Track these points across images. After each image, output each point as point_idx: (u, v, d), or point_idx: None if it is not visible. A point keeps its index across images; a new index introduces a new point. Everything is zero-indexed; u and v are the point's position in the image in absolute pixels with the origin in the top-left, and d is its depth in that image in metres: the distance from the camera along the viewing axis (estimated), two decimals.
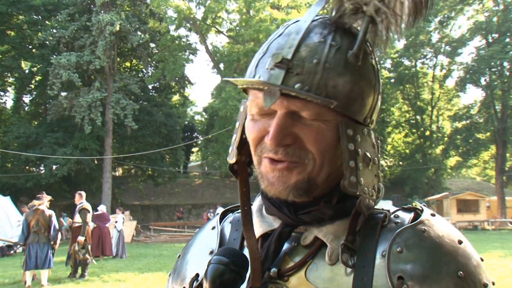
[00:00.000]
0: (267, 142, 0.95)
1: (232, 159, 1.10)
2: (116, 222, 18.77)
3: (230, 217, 1.20)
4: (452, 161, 44.22)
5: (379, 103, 1.06)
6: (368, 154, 0.99)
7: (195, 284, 1.06)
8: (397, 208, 1.07)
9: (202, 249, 1.01)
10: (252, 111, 1.00)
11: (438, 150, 43.05)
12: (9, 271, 14.05)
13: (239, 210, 1.15)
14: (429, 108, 43.76)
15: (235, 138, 1.10)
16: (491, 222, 33.13)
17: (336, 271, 0.95)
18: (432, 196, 37.33)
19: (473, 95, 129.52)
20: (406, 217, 1.03)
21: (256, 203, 1.14)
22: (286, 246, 1.02)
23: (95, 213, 16.73)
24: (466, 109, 42.76)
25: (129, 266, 14.99)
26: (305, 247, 1.00)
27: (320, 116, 0.94)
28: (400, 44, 41.90)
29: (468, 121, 41.86)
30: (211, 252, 1.09)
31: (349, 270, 0.94)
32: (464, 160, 42.62)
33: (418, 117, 43.95)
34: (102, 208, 17.67)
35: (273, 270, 0.99)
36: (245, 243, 1.05)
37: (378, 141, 1.07)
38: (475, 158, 43.22)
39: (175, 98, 46.73)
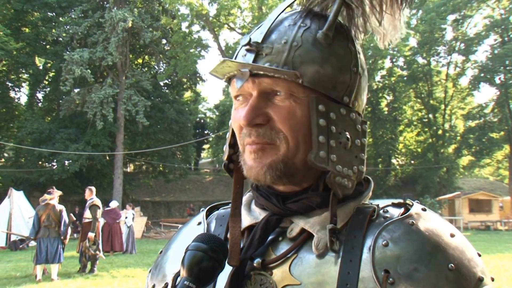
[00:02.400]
0: (241, 123, 0.98)
1: (225, 156, 1.11)
2: (126, 218, 18.87)
3: (216, 214, 1.19)
4: (464, 160, 43.78)
5: (363, 85, 1.05)
6: (346, 134, 0.98)
7: (178, 279, 1.03)
8: (387, 204, 1.05)
9: (185, 245, 0.98)
10: (233, 98, 1.04)
11: (451, 149, 42.66)
12: (21, 265, 14.18)
13: (224, 207, 1.18)
14: (442, 107, 43.37)
15: (228, 136, 1.12)
16: (504, 223, 32.79)
17: (321, 265, 0.93)
18: (444, 195, 36.99)
19: (487, 93, 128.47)
20: (396, 212, 1.01)
21: (245, 198, 1.13)
22: (270, 238, 1.01)
23: (106, 208, 16.87)
24: (479, 108, 42.30)
25: (139, 262, 15.05)
26: (291, 239, 0.99)
27: (292, 92, 0.94)
28: (413, 41, 41.58)
29: (481, 120, 41.39)
30: None
31: (334, 264, 0.92)
32: (477, 159, 42.16)
33: (430, 115, 43.57)
34: (114, 204, 17.78)
35: (257, 260, 0.97)
36: (228, 236, 1.04)
37: (366, 126, 1.06)
38: (488, 157, 42.72)
39: (187, 94, 46.80)
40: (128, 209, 19.74)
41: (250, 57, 0.96)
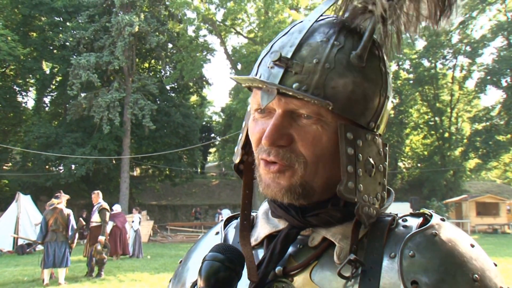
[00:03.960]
0: (262, 141, 0.94)
1: (236, 158, 1.10)
2: (132, 221, 18.86)
3: (235, 222, 1.19)
4: (471, 163, 43.56)
5: (388, 108, 1.02)
6: (371, 160, 0.96)
7: None
8: (405, 214, 1.04)
9: (203, 254, 0.97)
10: (253, 108, 1.00)
11: (457, 152, 42.49)
12: (28, 269, 14.18)
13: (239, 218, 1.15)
14: (448, 110, 43.24)
15: (241, 138, 1.10)
16: (511, 226, 32.56)
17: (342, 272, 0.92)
18: (451, 198, 36.81)
19: (494, 96, 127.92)
20: (414, 222, 1.00)
21: (263, 207, 1.13)
22: (291, 249, 1.01)
23: (112, 212, 16.89)
24: (486, 110, 42.14)
25: (146, 266, 15.02)
26: (312, 248, 0.99)
27: (320, 117, 0.91)
28: (419, 45, 41.53)
29: (488, 123, 41.23)
30: None
31: (349, 275, 0.91)
32: (484, 162, 41.94)
33: (437, 118, 43.43)
34: (117, 208, 17.78)
35: (278, 268, 0.97)
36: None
37: (386, 148, 1.03)
38: (495, 160, 42.53)
39: (193, 98, 46.87)
40: (135, 213, 19.74)
41: (278, 72, 0.92)
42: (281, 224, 1.04)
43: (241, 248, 1.02)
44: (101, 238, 12.32)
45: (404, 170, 47.98)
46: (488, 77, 39.40)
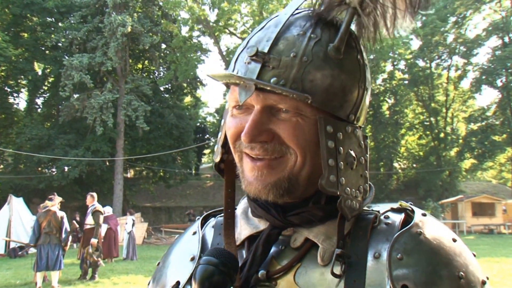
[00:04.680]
0: (242, 138, 0.93)
1: (217, 157, 1.09)
2: (126, 224, 18.79)
3: (212, 221, 1.18)
4: (467, 163, 43.73)
5: (367, 100, 1.02)
6: (352, 153, 0.97)
7: None
8: (387, 209, 1.05)
9: (182, 255, 1.00)
10: (230, 105, 0.99)
11: (453, 152, 42.63)
12: (21, 272, 14.09)
13: (222, 214, 1.14)
14: (444, 110, 43.37)
15: (220, 136, 1.09)
16: (507, 226, 32.65)
17: (326, 274, 0.93)
18: (447, 199, 36.88)
19: (489, 96, 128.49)
20: (397, 218, 1.01)
21: (241, 205, 1.13)
22: (273, 249, 1.01)
23: (105, 214, 16.86)
24: (481, 110, 42.32)
25: (140, 269, 14.96)
26: (295, 249, 0.98)
27: (299, 111, 0.91)
28: (414, 45, 41.67)
29: (483, 123, 41.43)
30: (193, 259, 1.07)
31: (339, 272, 0.91)
32: (480, 162, 42.13)
33: (432, 119, 43.55)
34: (109, 210, 17.71)
35: (261, 272, 0.97)
36: None
37: (367, 141, 1.04)
38: (491, 160, 42.73)
39: (187, 99, 46.79)
40: (128, 215, 19.67)
41: (255, 68, 0.91)
42: (261, 225, 1.04)
43: (225, 247, 1.03)
44: (94, 241, 12.27)
45: (399, 170, 48.07)
46: (483, 77, 39.55)
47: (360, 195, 0.99)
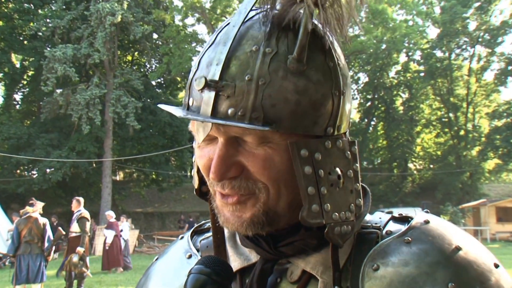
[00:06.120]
0: (210, 177, 0.91)
1: (195, 183, 1.08)
2: (121, 231, 18.90)
3: (199, 244, 1.17)
4: (490, 164, 43.74)
5: (346, 105, 0.97)
6: (337, 170, 0.93)
7: None
8: (388, 218, 1.05)
9: (182, 282, 0.97)
10: (195, 136, 0.96)
11: (474, 151, 42.63)
12: None
13: (207, 235, 1.16)
14: (464, 105, 43.37)
15: (194, 161, 1.05)
16: None
17: None
18: (468, 203, 36.89)
19: None
20: (399, 230, 0.99)
21: (227, 230, 1.11)
22: (268, 282, 0.99)
23: (110, 220, 17.52)
24: (506, 105, 42.26)
25: (130, 280, 14.96)
26: (292, 283, 0.97)
27: (266, 140, 0.89)
28: (432, 33, 41.59)
29: (509, 119, 41.37)
30: None
31: None
32: (505, 162, 42.14)
33: (451, 114, 43.57)
34: (112, 215, 17.94)
35: None
36: None
37: (354, 147, 1.00)
38: None
39: (181, 94, 46.78)
40: (123, 221, 19.68)
41: (209, 98, 0.87)
42: (252, 256, 1.03)
43: None
44: (80, 250, 12.24)
45: (415, 172, 48.11)
46: (509, 68, 39.51)
47: (352, 215, 0.95)
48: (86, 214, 12.58)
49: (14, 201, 31.34)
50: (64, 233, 13.85)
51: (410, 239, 0.93)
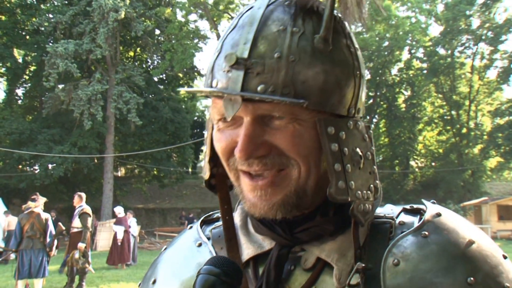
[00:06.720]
0: (237, 156, 0.92)
1: (205, 174, 1.09)
2: (129, 227, 19.01)
3: (210, 233, 1.17)
4: (492, 162, 43.68)
5: (364, 88, 1.02)
6: (358, 150, 0.96)
7: None
8: (399, 211, 1.07)
9: (189, 271, 1.00)
10: (215, 118, 0.98)
11: (476, 149, 42.58)
12: (0, 281, 14.12)
13: (217, 225, 1.16)
14: (467, 103, 43.29)
15: (206, 151, 1.08)
16: None
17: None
18: (469, 201, 36.83)
19: None
20: (412, 221, 1.02)
21: (238, 216, 1.13)
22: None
23: (119, 216, 17.64)
24: (509, 103, 42.19)
25: (131, 276, 14.99)
26: (306, 270, 0.99)
27: (294, 116, 0.91)
28: (435, 30, 41.51)
29: (511, 117, 41.28)
30: None
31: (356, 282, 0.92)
32: (506, 161, 42.08)
33: (453, 112, 43.50)
34: (121, 211, 18.01)
35: None
36: None
37: (370, 131, 1.04)
38: None
39: (183, 91, 46.70)
40: (129, 216, 19.72)
41: (238, 76, 0.89)
42: (266, 243, 1.04)
43: None
44: (81, 246, 12.24)
45: (416, 169, 48.08)
46: None
47: (371, 195, 0.99)
48: (88, 209, 12.59)
49: (16, 196, 31.38)
50: (64, 228, 13.91)
51: (427, 233, 0.95)
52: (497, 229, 32.45)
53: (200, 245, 1.13)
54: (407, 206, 1.08)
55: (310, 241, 0.99)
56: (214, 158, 1.05)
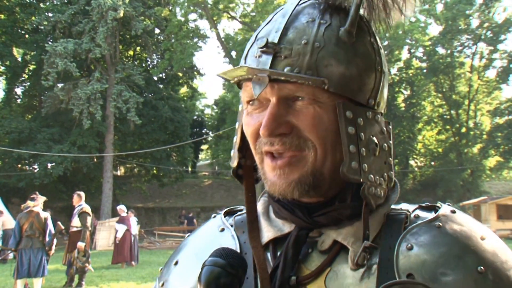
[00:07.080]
0: (261, 132, 0.98)
1: (234, 162, 1.15)
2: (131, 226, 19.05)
3: (232, 220, 1.22)
4: (491, 161, 43.70)
5: (385, 84, 1.08)
6: (374, 139, 1.02)
7: None
8: (416, 206, 1.11)
9: (204, 256, 1.01)
10: (244, 102, 1.06)
11: (476, 149, 42.58)
12: None
13: (239, 213, 1.22)
14: (466, 102, 43.29)
15: (236, 140, 1.15)
16: None
17: (357, 278, 0.97)
18: (469, 200, 36.83)
19: None
20: (427, 216, 1.06)
21: (261, 205, 1.18)
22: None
23: (122, 215, 17.76)
24: (508, 103, 42.21)
25: (131, 275, 14.97)
26: (322, 252, 1.03)
27: (315, 98, 0.97)
28: (434, 30, 41.55)
29: (510, 117, 41.35)
30: None
31: (371, 275, 0.96)
32: (506, 160, 42.12)
33: (453, 112, 43.50)
34: (124, 209, 18.05)
35: (293, 278, 1.00)
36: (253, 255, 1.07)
37: (390, 127, 1.10)
38: None
39: (183, 90, 46.79)
40: (130, 215, 19.72)
41: (267, 59, 0.97)
42: (285, 227, 1.09)
43: (252, 250, 1.06)
44: (81, 245, 12.25)
45: (416, 169, 48.10)
46: (511, 66, 39.41)
47: (384, 183, 1.04)
48: (87, 208, 12.59)
49: (15, 195, 31.35)
50: (63, 227, 13.90)
51: (440, 224, 1.00)
52: (496, 228, 32.42)
53: (222, 230, 1.18)
54: (423, 204, 1.12)
55: (328, 224, 1.03)
56: (243, 149, 1.13)
